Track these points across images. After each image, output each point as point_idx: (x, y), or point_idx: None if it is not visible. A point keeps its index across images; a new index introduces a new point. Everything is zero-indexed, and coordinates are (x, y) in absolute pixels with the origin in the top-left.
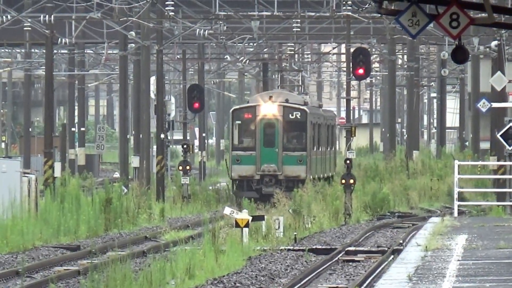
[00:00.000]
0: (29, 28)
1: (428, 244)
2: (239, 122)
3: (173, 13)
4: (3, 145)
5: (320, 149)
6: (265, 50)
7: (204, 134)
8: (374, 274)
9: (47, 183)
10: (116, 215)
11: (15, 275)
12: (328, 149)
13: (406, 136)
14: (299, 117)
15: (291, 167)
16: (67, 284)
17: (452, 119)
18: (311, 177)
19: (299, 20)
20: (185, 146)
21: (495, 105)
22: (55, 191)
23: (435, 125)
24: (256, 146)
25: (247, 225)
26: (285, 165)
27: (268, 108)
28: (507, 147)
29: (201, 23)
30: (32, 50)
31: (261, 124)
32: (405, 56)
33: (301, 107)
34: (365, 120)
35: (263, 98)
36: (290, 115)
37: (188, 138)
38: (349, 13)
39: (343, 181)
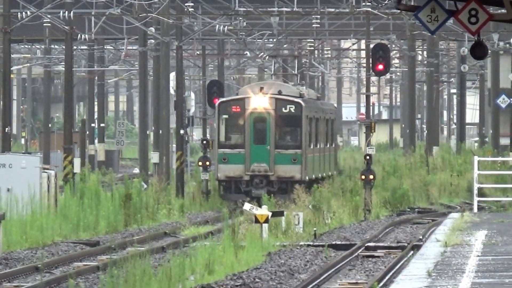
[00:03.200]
0: (49, 24)
1: (448, 240)
2: (226, 116)
3: (192, 9)
4: (22, 141)
5: (317, 146)
6: (284, 46)
7: None
8: (394, 270)
9: (67, 178)
10: (135, 211)
11: (34, 271)
12: (328, 145)
13: (426, 132)
14: (293, 111)
15: (284, 167)
16: (86, 280)
17: (472, 115)
18: (307, 177)
19: (318, 16)
20: (204, 142)
21: None
22: (75, 187)
23: (455, 121)
24: (245, 143)
25: (266, 221)
26: (277, 165)
27: (259, 101)
28: None
29: (220, 19)
30: (52, 46)
31: (250, 119)
32: (425, 52)
33: (296, 99)
34: (385, 116)
35: (253, 89)
36: (283, 108)
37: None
38: (369, 9)
39: (363, 176)
